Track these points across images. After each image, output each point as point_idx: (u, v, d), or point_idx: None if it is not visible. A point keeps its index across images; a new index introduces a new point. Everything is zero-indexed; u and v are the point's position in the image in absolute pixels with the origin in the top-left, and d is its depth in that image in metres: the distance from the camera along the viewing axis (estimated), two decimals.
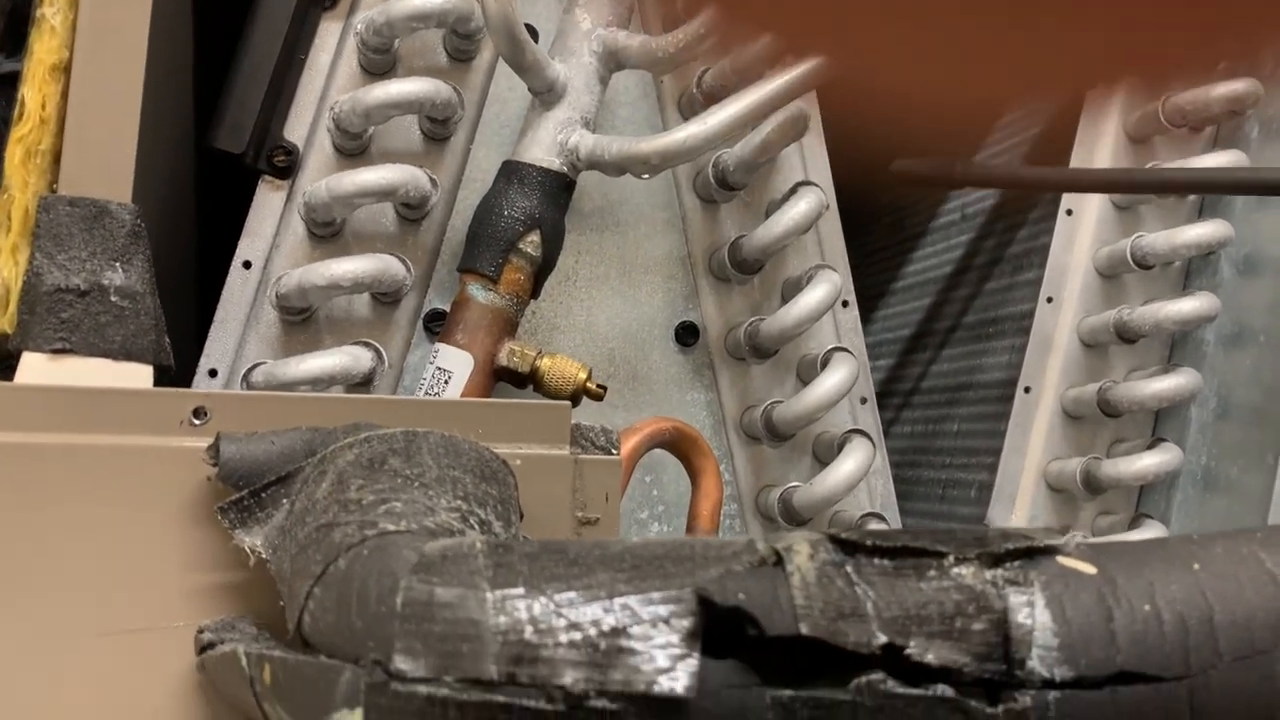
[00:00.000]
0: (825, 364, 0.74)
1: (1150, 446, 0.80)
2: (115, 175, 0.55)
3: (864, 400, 0.80)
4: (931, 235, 1.09)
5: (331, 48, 0.71)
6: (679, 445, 0.66)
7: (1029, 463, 0.83)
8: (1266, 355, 0.82)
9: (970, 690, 0.39)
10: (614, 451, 0.59)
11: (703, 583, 0.38)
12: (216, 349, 0.68)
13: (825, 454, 0.76)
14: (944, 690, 0.39)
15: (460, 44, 0.72)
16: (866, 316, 1.21)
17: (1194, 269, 0.87)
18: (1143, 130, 0.85)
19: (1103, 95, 0.82)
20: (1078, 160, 0.85)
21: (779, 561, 0.40)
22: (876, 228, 1.22)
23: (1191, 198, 0.86)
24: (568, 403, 0.58)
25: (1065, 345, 0.85)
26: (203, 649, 0.50)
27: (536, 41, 0.75)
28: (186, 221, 0.73)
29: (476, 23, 0.68)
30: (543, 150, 0.67)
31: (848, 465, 0.72)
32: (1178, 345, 0.87)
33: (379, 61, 0.70)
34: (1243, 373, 0.83)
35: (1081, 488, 0.80)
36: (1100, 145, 0.87)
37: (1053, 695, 0.40)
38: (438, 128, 0.71)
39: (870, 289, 1.20)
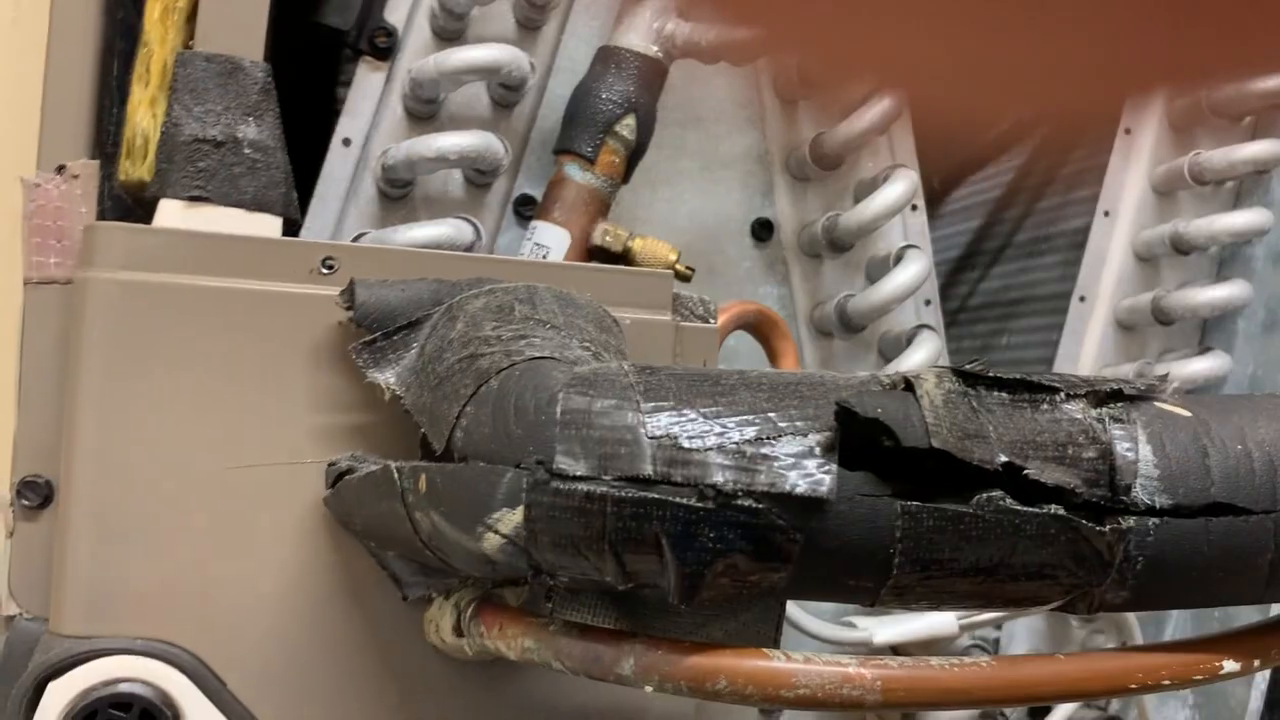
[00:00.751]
0: (898, 260, 0.77)
1: (1199, 354, 0.84)
2: (249, 33, 0.58)
3: (928, 302, 0.83)
4: (948, 219, 1.11)
5: None
6: (762, 327, 0.69)
7: (1081, 370, 0.87)
8: None
9: (1079, 512, 0.42)
10: (712, 320, 0.62)
11: (842, 399, 0.41)
12: (317, 224, 0.70)
13: (891, 350, 0.79)
14: (1056, 509, 0.42)
15: None
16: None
17: (1245, 189, 0.90)
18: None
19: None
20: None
21: (909, 387, 0.43)
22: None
23: (1247, 121, 0.89)
24: (670, 272, 0.61)
25: (1120, 258, 0.88)
26: (339, 477, 0.53)
27: None
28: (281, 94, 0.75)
29: None
30: (638, 36, 0.69)
31: (915, 359, 0.75)
32: (1228, 261, 0.90)
33: None
34: None
35: None
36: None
37: (1153, 521, 0.43)
38: (533, 14, 0.73)
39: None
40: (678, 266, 0.69)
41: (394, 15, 0.72)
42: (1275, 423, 0.46)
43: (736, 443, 0.41)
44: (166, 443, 0.53)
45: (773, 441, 0.41)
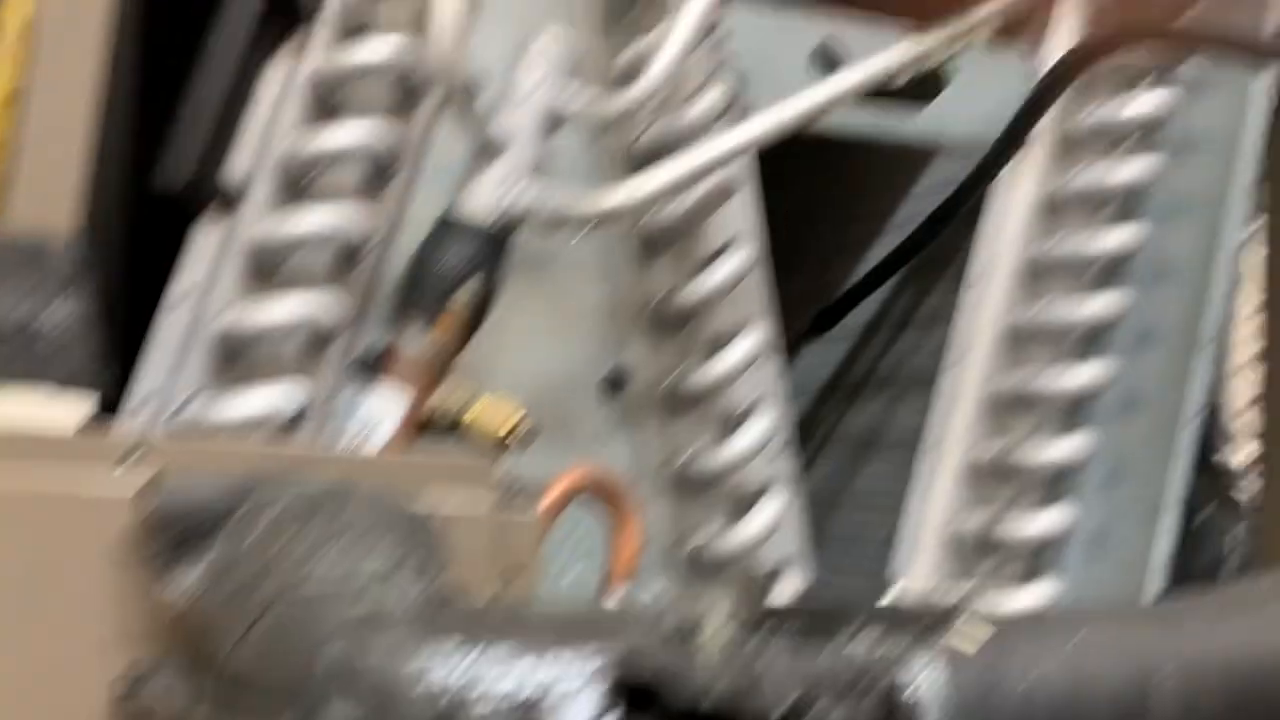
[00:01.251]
0: (747, 414, 0.77)
1: (1047, 506, 0.85)
2: (60, 208, 0.56)
3: (781, 450, 0.83)
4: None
5: (278, 88, 0.72)
6: (600, 494, 0.69)
7: (932, 518, 0.87)
8: (1156, 423, 0.87)
9: None
10: (536, 505, 0.61)
11: (617, 655, 0.41)
12: (148, 387, 0.68)
13: (742, 505, 0.79)
14: None
15: (406, 93, 0.73)
16: (789, 360, 1.25)
17: (1095, 339, 0.92)
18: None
19: None
20: (990, 227, 0.90)
21: (691, 633, 0.42)
22: (800, 274, 1.26)
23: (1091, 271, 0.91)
24: (492, 457, 0.60)
25: (971, 406, 0.89)
26: (129, 689, 0.51)
27: (484, 88, 0.77)
28: (125, 256, 0.73)
29: (423, 74, 0.70)
30: (482, 201, 0.69)
31: (763, 516, 0.75)
32: (1076, 412, 0.91)
33: (324, 106, 0.71)
34: (1134, 439, 0.88)
35: (981, 545, 0.84)
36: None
37: None
38: (380, 173, 0.73)
39: (792, 336, 1.23)
40: (516, 432, 0.69)
41: (235, 174, 0.71)
42: (1063, 654, 0.47)
43: (509, 698, 0.40)
44: None
45: (548, 697, 0.40)
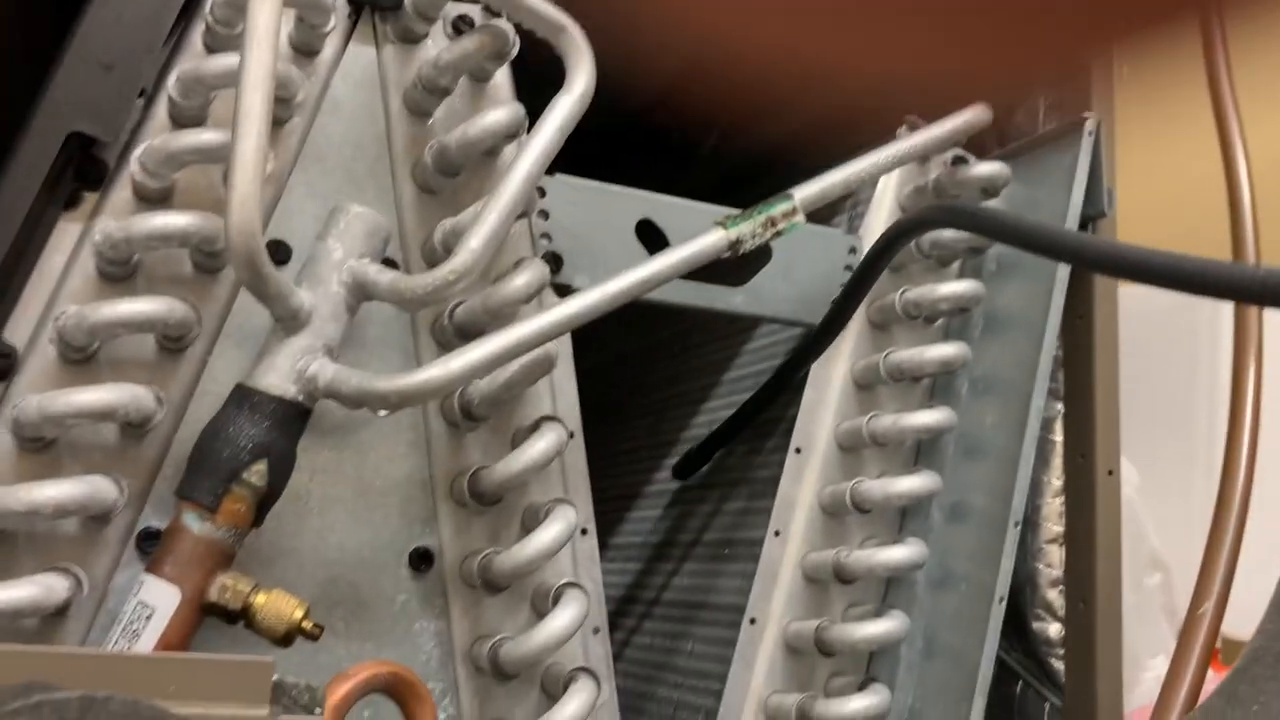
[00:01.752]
0: (556, 600, 0.75)
1: (863, 686, 0.84)
2: None
3: (596, 630, 0.80)
4: (681, 444, 1.13)
5: (67, 250, 0.69)
6: (396, 690, 0.65)
7: (751, 694, 0.86)
8: (967, 601, 0.88)
9: None
10: (318, 711, 0.57)
11: None
12: None
13: (553, 689, 0.76)
14: None
15: (206, 258, 0.71)
16: (620, 516, 1.23)
17: (910, 511, 0.94)
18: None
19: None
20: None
21: None
22: (637, 429, 1.26)
23: (909, 444, 0.93)
24: (270, 660, 0.56)
25: (789, 579, 0.89)
26: None
27: (290, 257, 0.75)
28: None
29: (222, 243, 0.68)
30: (279, 377, 0.66)
31: (572, 706, 0.72)
32: (893, 586, 0.92)
33: (117, 271, 0.68)
34: (946, 615, 0.89)
35: None
36: (829, 390, 0.93)
37: None
38: (173, 341, 0.69)
39: (624, 488, 1.22)
40: (305, 625, 0.65)
41: (15, 335, 0.67)
42: None
43: None
44: None
45: None
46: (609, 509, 1.22)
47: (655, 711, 0.98)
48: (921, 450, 0.95)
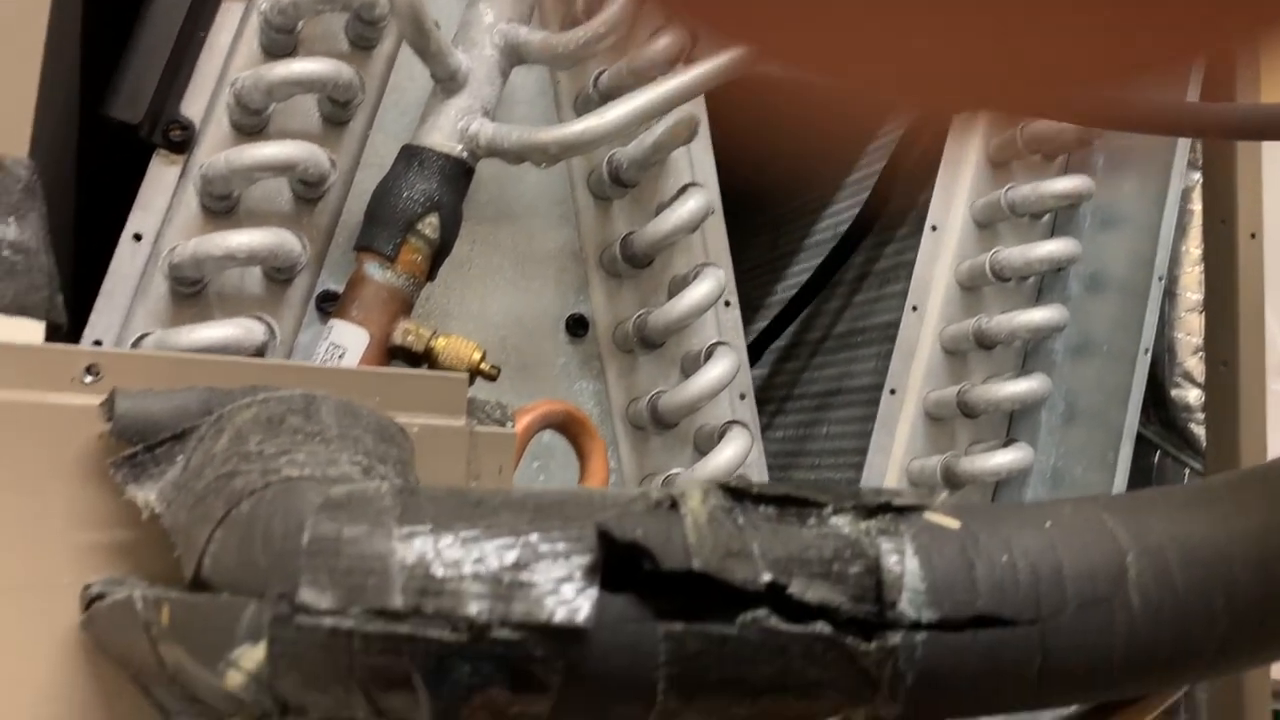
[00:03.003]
0: (708, 357, 0.77)
1: (1004, 446, 0.86)
2: (12, 128, 0.55)
3: (743, 396, 0.83)
4: (805, 252, 1.14)
5: (233, 27, 0.71)
6: (569, 427, 0.68)
7: (893, 461, 0.88)
8: (1108, 364, 0.89)
9: (846, 628, 0.42)
10: (509, 425, 0.60)
11: (601, 521, 0.40)
12: (103, 321, 0.67)
13: (705, 444, 0.79)
14: (822, 628, 0.42)
15: (363, 30, 0.73)
16: (744, 327, 1.25)
17: (1046, 284, 0.94)
18: (1002, 155, 0.92)
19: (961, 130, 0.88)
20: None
21: (674, 505, 0.42)
22: (753, 245, 1.27)
23: (1045, 218, 0.93)
24: (464, 375, 0.59)
25: (928, 351, 0.90)
26: (91, 601, 0.49)
27: (441, 29, 0.77)
28: (71, 190, 0.72)
29: (381, 9, 0.70)
30: (443, 135, 0.69)
31: (726, 453, 0.75)
32: (1030, 354, 0.93)
33: (281, 43, 0.71)
34: (1088, 380, 0.90)
35: (942, 482, 0.85)
36: (964, 168, 0.93)
37: (920, 636, 0.43)
38: (337, 110, 0.72)
39: (748, 302, 1.24)
40: (483, 366, 0.68)
41: (191, 109, 0.70)
42: (1041, 532, 0.47)
43: (494, 569, 0.40)
44: None
45: (531, 567, 0.40)
46: None
47: None
48: (1057, 221, 0.95)
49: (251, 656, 0.40)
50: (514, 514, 0.42)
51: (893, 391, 0.89)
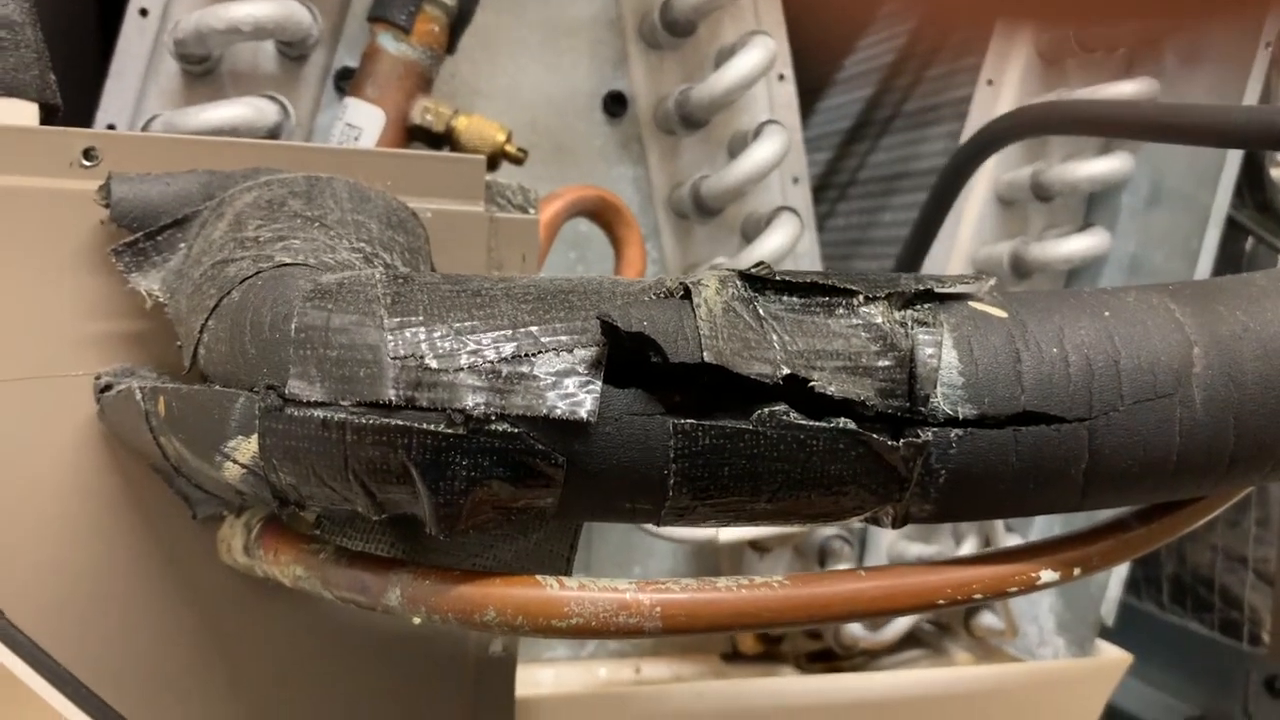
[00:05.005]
0: (756, 136, 0.72)
1: (1082, 230, 0.80)
2: None
3: (796, 180, 0.78)
4: (875, 23, 1.05)
5: None
6: (603, 214, 0.65)
7: (958, 247, 0.83)
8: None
9: (872, 425, 0.39)
10: (532, 210, 0.57)
11: (605, 311, 0.37)
12: (114, 103, 0.64)
13: (753, 232, 0.75)
14: (845, 424, 0.39)
15: None
16: (807, 109, 1.18)
17: (1137, 59, 0.85)
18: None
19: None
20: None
21: (686, 295, 0.39)
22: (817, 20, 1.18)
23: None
24: (482, 157, 0.55)
25: None
26: (101, 392, 0.49)
27: None
28: None
29: None
30: None
31: (773, 241, 0.71)
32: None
33: None
34: (1175, 158, 0.82)
35: (1009, 271, 0.80)
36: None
37: (955, 432, 0.40)
38: None
39: (810, 82, 1.16)
40: (508, 148, 0.64)
41: None
42: (1098, 321, 0.43)
43: (491, 361, 0.37)
44: None
45: (531, 359, 0.37)
46: None
47: None
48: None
49: (246, 449, 0.38)
50: (514, 304, 0.39)
51: None
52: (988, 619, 0.77)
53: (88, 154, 0.50)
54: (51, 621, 0.51)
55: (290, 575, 0.45)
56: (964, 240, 0.83)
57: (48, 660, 0.51)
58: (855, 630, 0.73)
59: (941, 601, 0.45)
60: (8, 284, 0.49)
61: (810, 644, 0.78)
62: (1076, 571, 0.47)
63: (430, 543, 0.44)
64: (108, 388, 0.48)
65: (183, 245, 0.48)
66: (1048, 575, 0.46)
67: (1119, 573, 0.77)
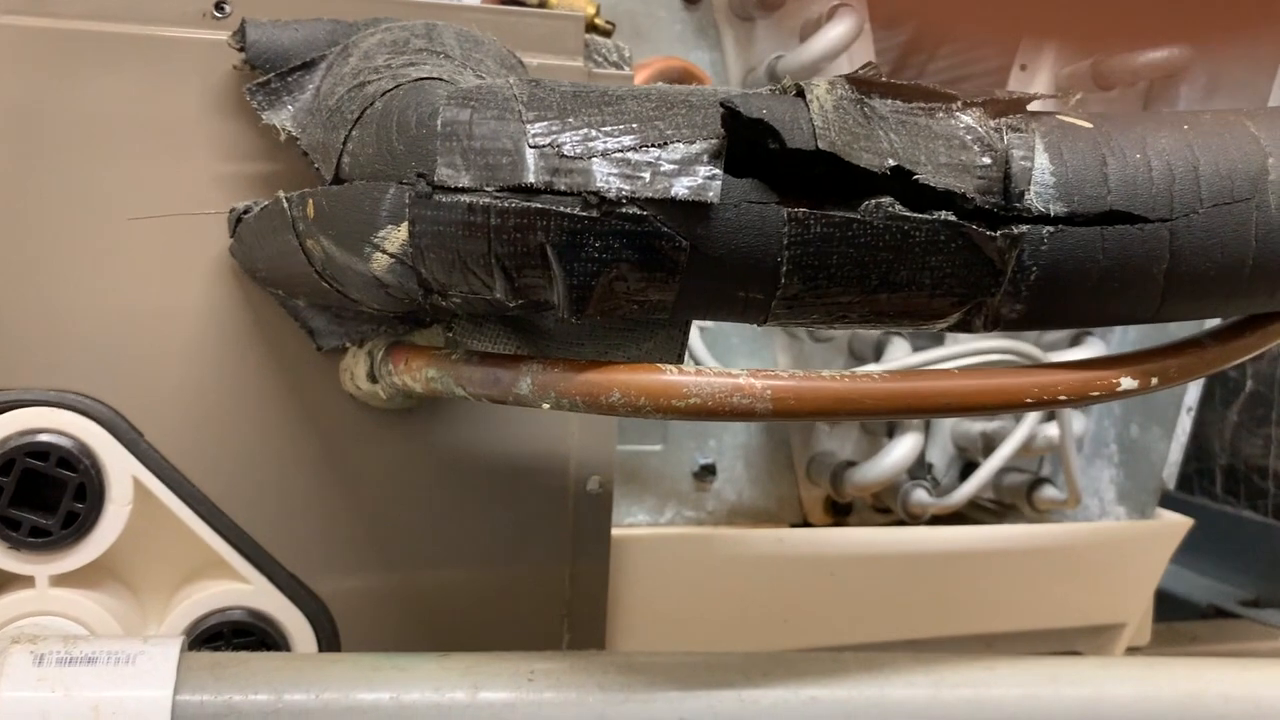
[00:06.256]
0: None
1: None
2: None
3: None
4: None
5: None
6: (686, 83, 0.68)
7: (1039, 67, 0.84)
8: None
9: (971, 219, 0.42)
10: (626, 68, 0.60)
11: (728, 99, 0.40)
12: None
13: None
14: (946, 215, 0.42)
15: None
16: None
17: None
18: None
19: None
20: None
21: (799, 94, 0.42)
22: None
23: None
24: (581, 13, 0.58)
25: None
26: (239, 218, 0.52)
27: None
28: None
29: None
30: None
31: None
32: None
33: None
34: None
35: (1091, 84, 0.81)
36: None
37: (1046, 229, 0.43)
38: None
39: None
40: (597, 20, 0.67)
41: None
42: (1178, 133, 0.46)
43: (621, 149, 0.40)
44: (63, 194, 0.52)
45: (658, 148, 0.41)
46: None
47: None
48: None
49: (395, 238, 0.42)
50: (640, 103, 0.42)
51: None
52: (1049, 491, 0.80)
53: (219, 6, 0.54)
54: (187, 445, 0.55)
55: (423, 379, 0.48)
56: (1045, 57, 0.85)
57: (184, 481, 0.55)
58: (922, 497, 0.76)
59: (1029, 400, 0.48)
60: (147, 129, 0.53)
61: (878, 517, 0.81)
62: (1154, 381, 0.50)
63: (552, 352, 0.48)
64: (247, 211, 0.52)
65: (311, 85, 0.51)
66: (1128, 382, 0.49)
67: (1179, 439, 0.79)
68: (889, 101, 0.43)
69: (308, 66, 0.52)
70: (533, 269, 0.41)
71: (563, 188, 0.40)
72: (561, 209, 0.40)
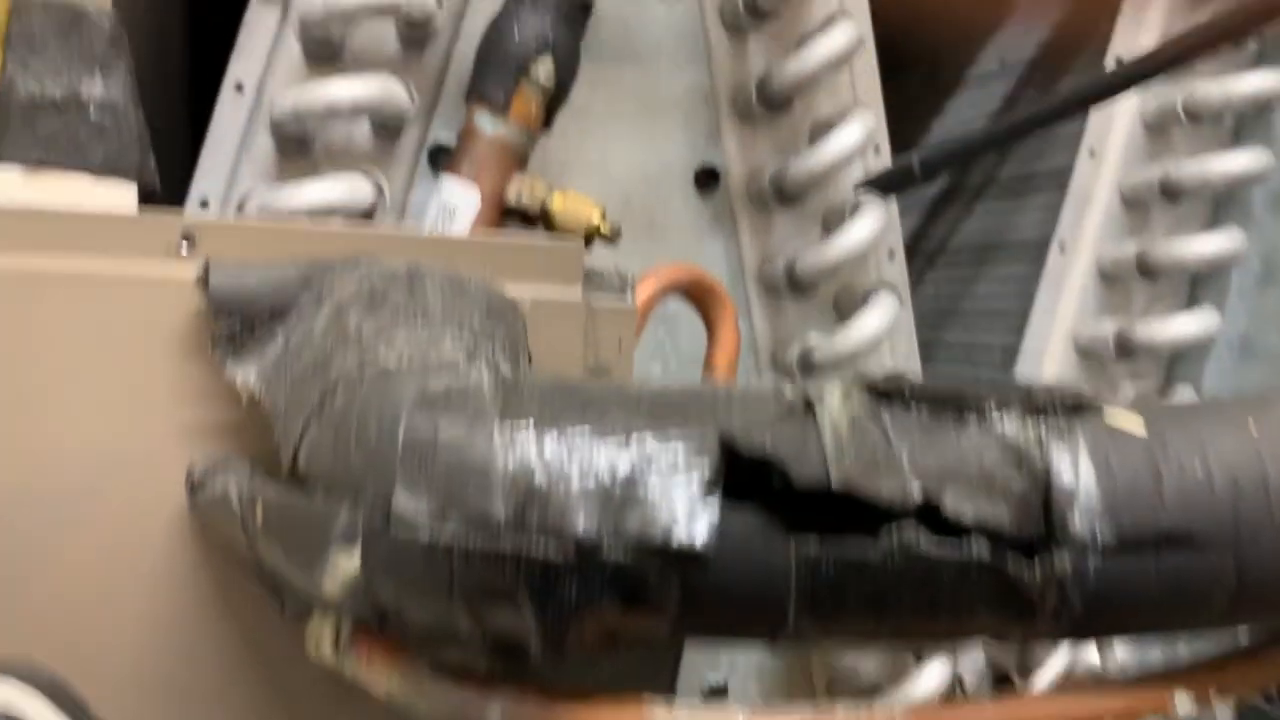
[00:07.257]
0: (854, 211, 0.70)
1: (1189, 308, 0.77)
2: None
3: (892, 254, 0.76)
4: (967, 86, 1.03)
5: None
6: (696, 293, 0.63)
7: (1059, 323, 0.80)
8: None
9: (1007, 550, 0.36)
10: (629, 295, 0.56)
11: (726, 427, 0.35)
12: (208, 178, 0.64)
13: (848, 308, 0.73)
14: (980, 552, 0.36)
15: None
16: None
17: (1245, 130, 0.82)
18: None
19: None
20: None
21: (809, 408, 0.37)
22: (910, 79, 1.16)
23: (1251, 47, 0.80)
24: (580, 243, 0.54)
25: (1105, 201, 0.80)
26: (194, 489, 0.48)
27: None
28: (175, 39, 0.68)
29: None
30: None
31: (872, 320, 0.69)
32: (1223, 206, 0.82)
33: None
34: None
35: (1113, 350, 0.76)
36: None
37: (1093, 560, 0.37)
38: None
39: (901, 142, 1.14)
40: (603, 226, 0.63)
41: None
42: (1244, 435, 0.40)
43: (603, 478, 0.35)
44: (15, 441, 0.48)
45: (645, 479, 0.35)
46: None
47: (945, 356, 0.94)
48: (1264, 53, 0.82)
49: (348, 562, 0.37)
50: (627, 415, 0.37)
51: (1062, 247, 0.80)
52: None
53: (186, 240, 0.50)
54: (136, 712, 0.50)
55: (382, 687, 0.43)
56: (1065, 316, 0.80)
57: None
58: None
59: None
60: (106, 369, 0.48)
61: None
62: (1212, 690, 0.44)
63: (530, 659, 0.42)
64: (201, 485, 0.47)
65: (280, 336, 0.47)
66: (1184, 705, 0.43)
67: None
68: (912, 412, 0.38)
69: (277, 314, 0.47)
70: (501, 606, 0.36)
71: (535, 523, 0.34)
72: (533, 554, 0.34)
